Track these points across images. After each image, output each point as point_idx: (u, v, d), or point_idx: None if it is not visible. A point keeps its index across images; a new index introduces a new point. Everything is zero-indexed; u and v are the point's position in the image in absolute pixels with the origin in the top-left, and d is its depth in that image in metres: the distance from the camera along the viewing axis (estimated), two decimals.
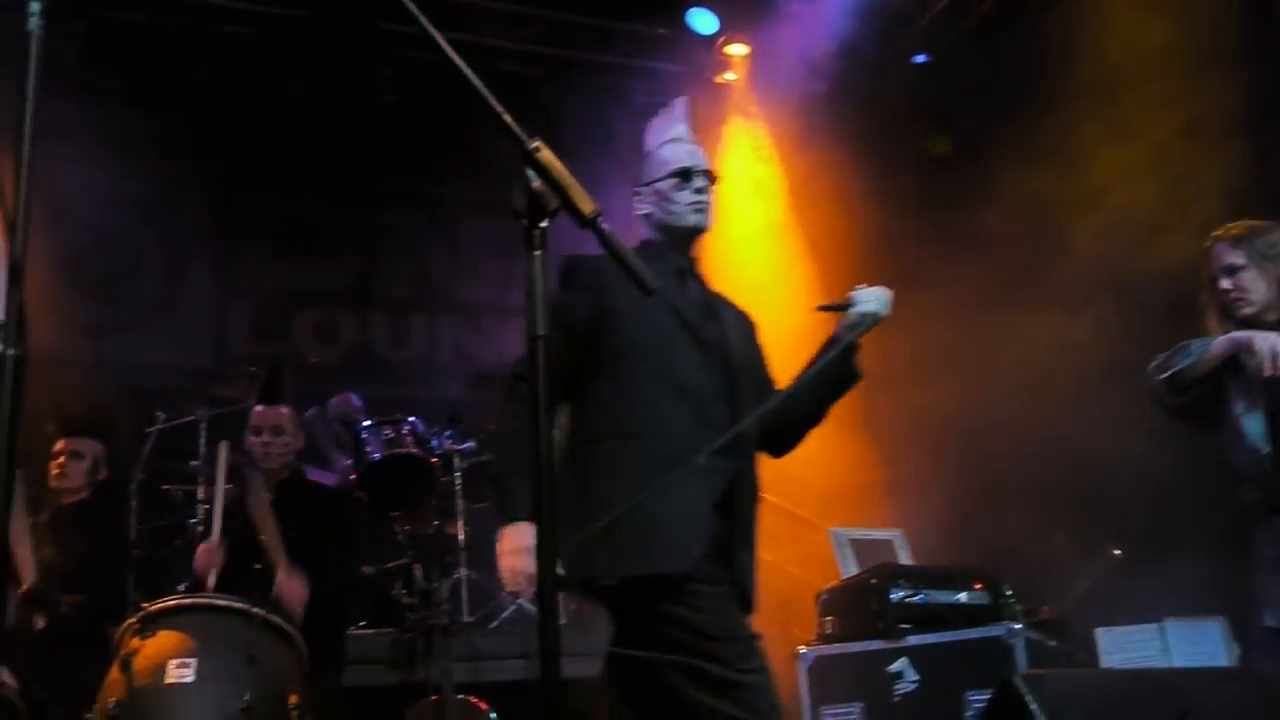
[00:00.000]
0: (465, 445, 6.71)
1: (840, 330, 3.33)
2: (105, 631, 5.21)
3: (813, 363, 3.30)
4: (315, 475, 6.01)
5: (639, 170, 3.46)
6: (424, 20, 1.87)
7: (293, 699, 3.95)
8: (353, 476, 6.54)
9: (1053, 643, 4.78)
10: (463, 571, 6.54)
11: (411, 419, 6.60)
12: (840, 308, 3.32)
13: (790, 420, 3.38)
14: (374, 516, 6.52)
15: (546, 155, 1.82)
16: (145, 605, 4.14)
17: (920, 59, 8.07)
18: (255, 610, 4.04)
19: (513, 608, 6.58)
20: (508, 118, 1.85)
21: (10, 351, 1.72)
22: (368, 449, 6.44)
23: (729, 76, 8.31)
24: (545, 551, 1.71)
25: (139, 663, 3.90)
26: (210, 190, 7.97)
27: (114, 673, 4.00)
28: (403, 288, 8.65)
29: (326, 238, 8.41)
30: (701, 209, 3.34)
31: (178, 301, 8.00)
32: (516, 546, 2.91)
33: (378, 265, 8.59)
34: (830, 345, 3.32)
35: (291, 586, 4.84)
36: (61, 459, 5.60)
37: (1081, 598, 5.89)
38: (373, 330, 8.53)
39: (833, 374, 3.31)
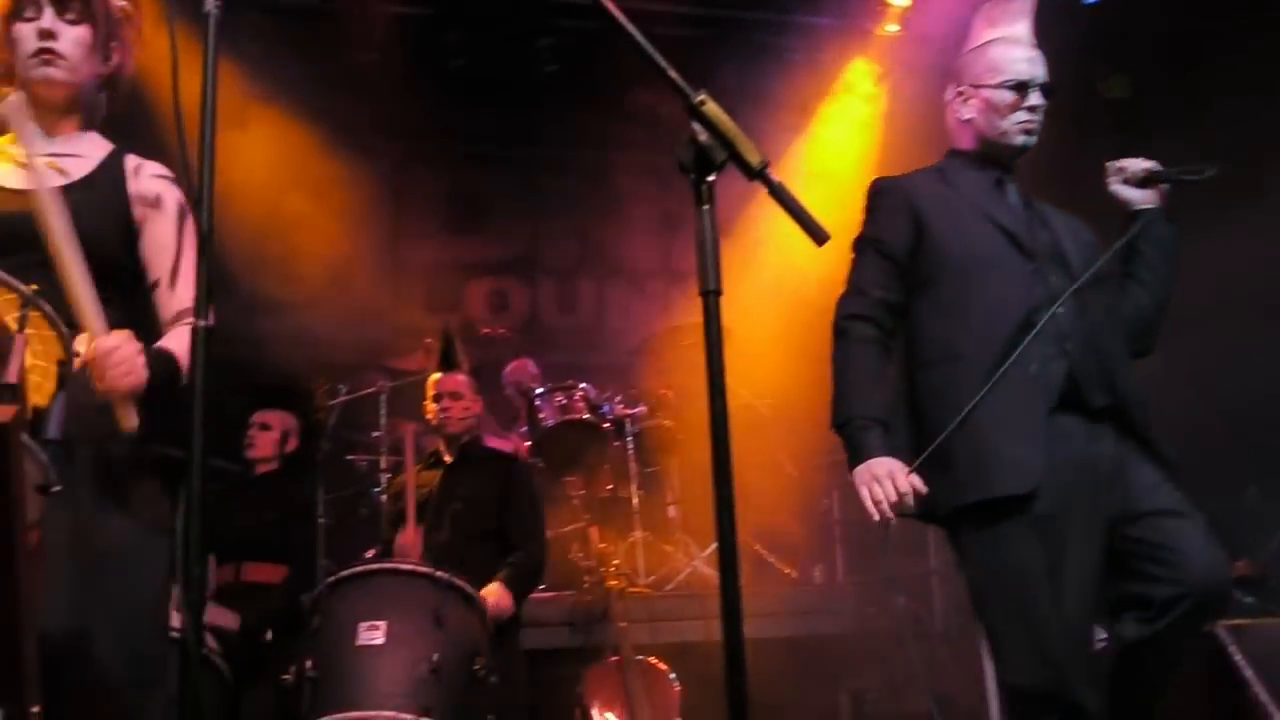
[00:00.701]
0: (636, 409, 6.76)
1: (1139, 199, 3.10)
2: (297, 597, 5.42)
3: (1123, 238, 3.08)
4: (493, 441, 6.12)
5: (960, 62, 3.18)
6: None
7: (479, 660, 4.02)
8: (528, 442, 6.64)
9: (1248, 599, 4.59)
10: (638, 534, 6.60)
11: (583, 385, 6.67)
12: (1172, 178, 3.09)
13: (1141, 308, 3.11)
14: (549, 481, 6.61)
15: (712, 108, 1.80)
16: (335, 571, 4.27)
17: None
18: (440, 574, 4.12)
19: (689, 569, 6.61)
20: (672, 73, 1.83)
21: (201, 323, 1.77)
22: (541, 415, 6.55)
23: (890, 28, 8.12)
24: (724, 508, 1.69)
25: (331, 626, 4.03)
26: (381, 167, 8.15)
27: (308, 635, 4.15)
28: (570, 256, 8.73)
29: (495, 209, 8.54)
30: (1032, 130, 3.09)
31: (353, 277, 8.21)
32: (876, 473, 2.80)
33: (545, 234, 8.69)
34: (1133, 219, 3.10)
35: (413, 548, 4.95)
36: (251, 430, 5.82)
37: (1277, 553, 5.63)
38: (542, 299, 8.64)
39: (1157, 238, 3.11)
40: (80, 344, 2.12)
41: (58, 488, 1.78)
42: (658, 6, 7.54)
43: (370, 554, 5.87)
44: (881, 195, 3.15)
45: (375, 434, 6.53)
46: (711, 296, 1.75)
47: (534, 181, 8.63)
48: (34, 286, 1.78)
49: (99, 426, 2.24)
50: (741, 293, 7.26)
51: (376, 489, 6.43)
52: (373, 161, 8.02)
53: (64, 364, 1.88)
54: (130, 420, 2.16)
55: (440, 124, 7.96)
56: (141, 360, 2.20)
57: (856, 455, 2.87)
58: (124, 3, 2.62)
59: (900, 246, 3.05)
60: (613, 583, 5.59)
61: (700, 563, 6.63)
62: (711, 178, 1.80)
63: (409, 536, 5.03)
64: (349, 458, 6.64)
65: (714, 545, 6.45)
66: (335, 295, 8.04)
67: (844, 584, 6.77)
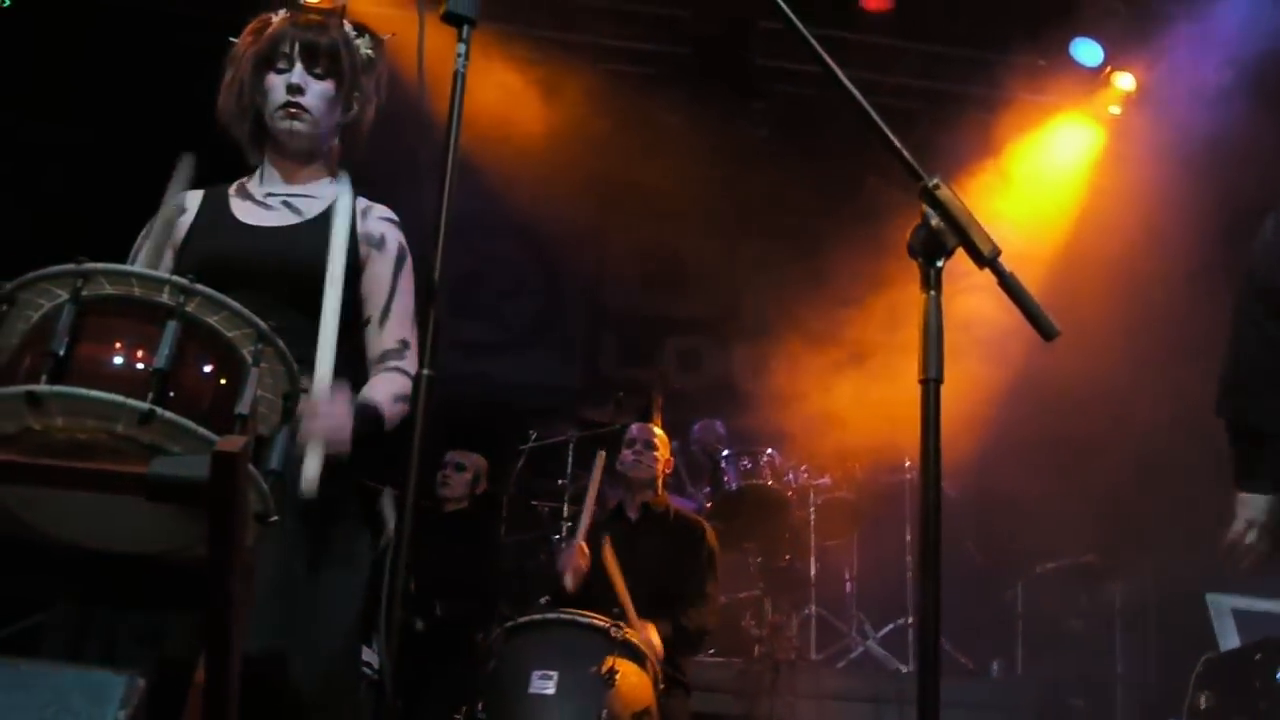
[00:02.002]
0: (821, 480, 6.68)
1: None
2: (473, 636, 5.51)
3: None
4: (677, 502, 6.11)
5: None
6: (826, 58, 1.85)
7: None
8: (709, 504, 6.62)
9: None
10: (812, 608, 6.51)
11: (770, 451, 6.62)
12: None
13: None
14: (727, 545, 6.57)
15: (946, 193, 1.77)
16: (514, 616, 4.33)
17: None
18: (615, 630, 4.13)
19: (860, 649, 6.48)
20: (906, 154, 1.80)
21: (425, 371, 1.81)
22: (725, 478, 6.53)
23: (1113, 110, 7.92)
24: (929, 597, 1.64)
25: (505, 671, 4.09)
26: (588, 217, 8.27)
27: (481, 678, 4.21)
28: (766, 321, 8.68)
29: (695, 267, 8.57)
30: None
31: (553, 324, 8.35)
32: (1244, 524, 2.55)
33: (743, 296, 8.67)
34: None
35: (648, 640, 4.87)
36: (446, 470, 5.95)
37: None
38: (735, 361, 8.60)
39: None
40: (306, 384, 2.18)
41: (274, 517, 1.84)
42: (874, 76, 7.52)
43: (544, 600, 5.94)
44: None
45: (561, 481, 6.60)
46: (932, 384, 1.71)
47: (736, 243, 8.65)
48: (271, 323, 1.85)
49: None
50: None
51: (557, 536, 6.48)
52: (582, 211, 8.16)
53: (289, 398, 1.94)
54: (311, 479, 2.16)
55: (650, 179, 8.05)
56: (349, 426, 2.28)
57: (1246, 477, 2.55)
58: (369, 51, 2.73)
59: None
60: (783, 655, 5.52)
61: (874, 643, 6.49)
62: (941, 263, 1.77)
63: (572, 553, 5.00)
64: (533, 503, 6.72)
65: (889, 626, 6.32)
66: (535, 341, 8.22)
67: (1022, 680, 6.54)
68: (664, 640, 4.65)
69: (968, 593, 6.74)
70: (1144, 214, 6.78)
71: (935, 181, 1.78)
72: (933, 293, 1.75)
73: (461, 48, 1.95)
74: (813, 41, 1.82)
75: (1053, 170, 8.03)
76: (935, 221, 1.76)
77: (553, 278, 8.39)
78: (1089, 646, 6.41)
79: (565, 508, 6.52)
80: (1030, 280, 1.81)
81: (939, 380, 1.72)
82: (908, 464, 6.79)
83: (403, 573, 1.77)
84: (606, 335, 8.53)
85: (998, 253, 1.76)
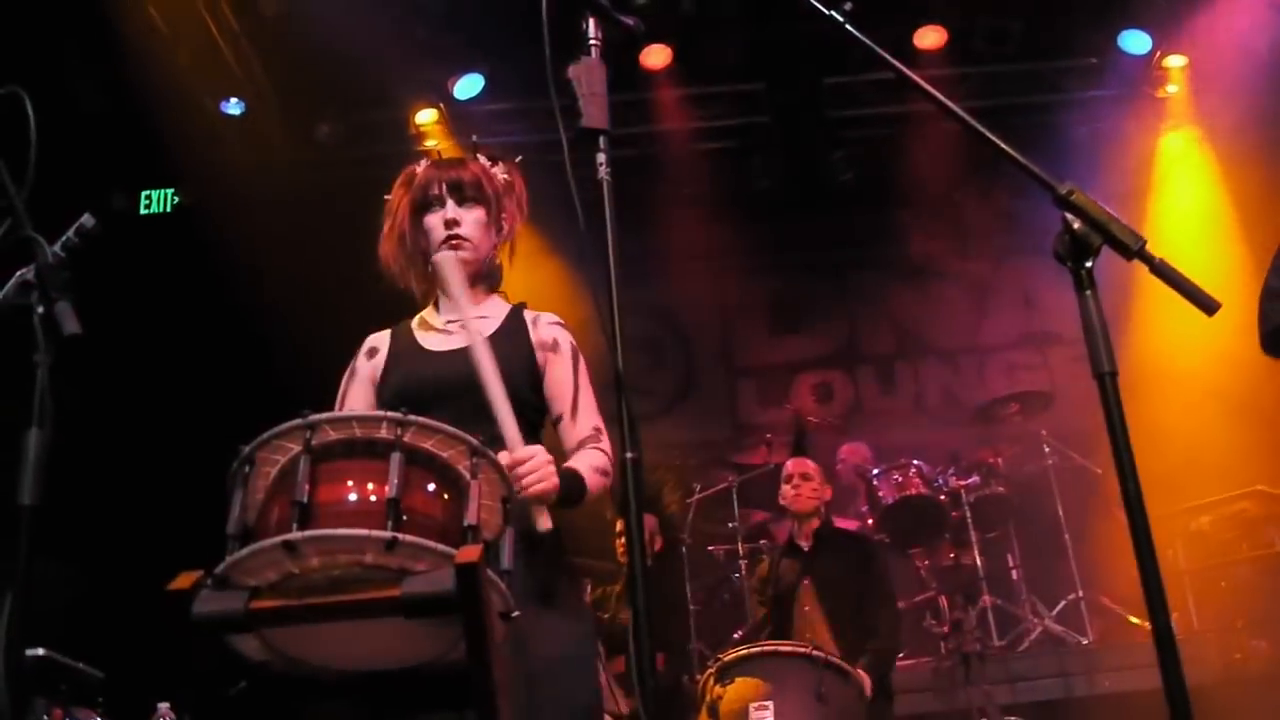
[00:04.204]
0: (969, 480, 6.48)
1: None
2: (680, 680, 5.43)
3: None
4: (841, 522, 5.99)
5: None
6: (931, 90, 1.78)
7: None
8: (870, 520, 6.49)
9: None
10: (985, 599, 6.30)
11: (916, 461, 6.46)
12: None
13: None
14: (895, 555, 6.42)
15: (1081, 197, 1.68)
16: (720, 655, 4.24)
17: None
18: (817, 653, 4.04)
19: (1039, 629, 6.23)
20: (1034, 168, 1.72)
21: (628, 454, 1.78)
22: (880, 494, 6.39)
23: (1170, 89, 7.65)
24: (1152, 587, 1.54)
25: (724, 707, 4.01)
26: (709, 286, 8.27)
27: (702, 717, 4.13)
28: (884, 343, 8.53)
29: (812, 309, 8.47)
30: None
31: (694, 386, 8.33)
32: None
33: (860, 326, 8.53)
34: None
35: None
36: (621, 538, 5.91)
37: None
38: (863, 385, 8.44)
39: None
40: (502, 456, 2.16)
41: (516, 613, 1.81)
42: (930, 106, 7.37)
43: (737, 634, 5.85)
44: None
45: (731, 524, 6.52)
46: (1108, 378, 1.61)
47: (844, 279, 8.54)
48: (478, 437, 1.84)
49: (526, 540, 2.27)
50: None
51: (736, 575, 6.41)
52: (703, 282, 8.16)
53: (507, 500, 1.92)
54: (545, 522, 2.18)
55: (755, 239, 8.02)
56: (552, 469, 2.25)
57: None
58: (505, 175, 2.75)
59: None
60: (969, 647, 5.33)
61: (1050, 621, 6.24)
62: (1089, 264, 1.67)
63: None
64: (709, 549, 6.66)
65: (1061, 603, 6.05)
66: (681, 404, 8.20)
67: (1201, 632, 6.20)
68: (866, 671, 4.50)
69: (1129, 559, 6.45)
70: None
71: (1069, 188, 1.69)
72: (1088, 292, 1.66)
73: (601, 157, 1.93)
74: (922, 85, 1.76)
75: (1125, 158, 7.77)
76: (1077, 225, 1.67)
77: (689, 346, 8.38)
78: (1263, 588, 6.07)
79: (740, 547, 6.44)
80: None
81: (1114, 373, 1.62)
82: (1046, 450, 6.55)
83: (646, 644, 1.70)
84: (744, 386, 8.45)
85: (1143, 242, 1.66)
